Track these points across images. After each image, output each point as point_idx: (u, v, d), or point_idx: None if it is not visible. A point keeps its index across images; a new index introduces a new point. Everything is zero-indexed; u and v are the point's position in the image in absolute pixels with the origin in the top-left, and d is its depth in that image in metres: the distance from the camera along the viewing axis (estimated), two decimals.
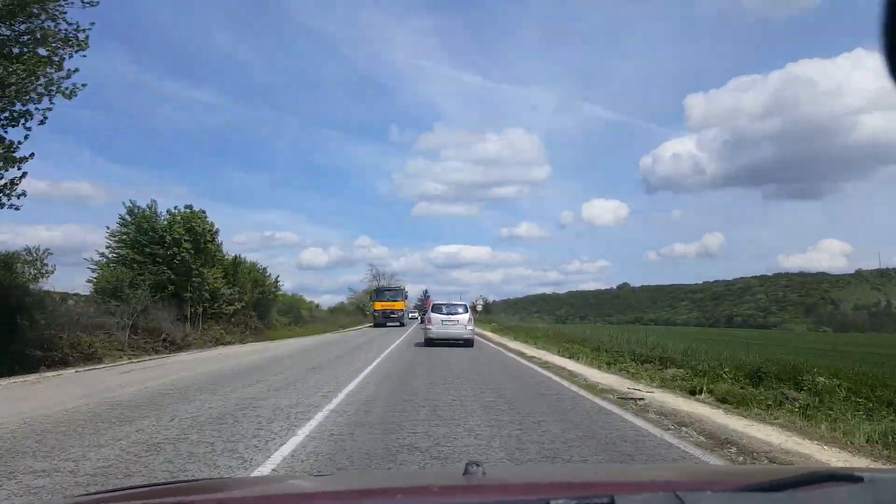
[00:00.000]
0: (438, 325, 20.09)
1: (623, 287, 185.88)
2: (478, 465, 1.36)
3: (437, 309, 20.76)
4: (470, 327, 20.13)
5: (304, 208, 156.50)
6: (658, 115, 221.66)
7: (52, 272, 18.07)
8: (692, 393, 9.21)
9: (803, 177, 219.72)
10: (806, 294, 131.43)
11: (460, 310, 20.48)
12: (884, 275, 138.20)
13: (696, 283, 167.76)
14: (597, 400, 8.39)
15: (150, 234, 20.88)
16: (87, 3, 11.57)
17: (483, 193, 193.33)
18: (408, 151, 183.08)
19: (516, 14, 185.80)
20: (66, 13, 11.30)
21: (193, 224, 22.04)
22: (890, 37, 0.95)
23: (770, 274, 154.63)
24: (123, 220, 21.29)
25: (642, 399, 8.33)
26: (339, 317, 49.26)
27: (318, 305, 52.10)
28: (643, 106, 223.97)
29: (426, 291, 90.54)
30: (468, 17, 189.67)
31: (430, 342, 19.93)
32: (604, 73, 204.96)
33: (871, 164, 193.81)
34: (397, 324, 41.43)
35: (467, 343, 19.76)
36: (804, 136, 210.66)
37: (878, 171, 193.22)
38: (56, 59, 11.32)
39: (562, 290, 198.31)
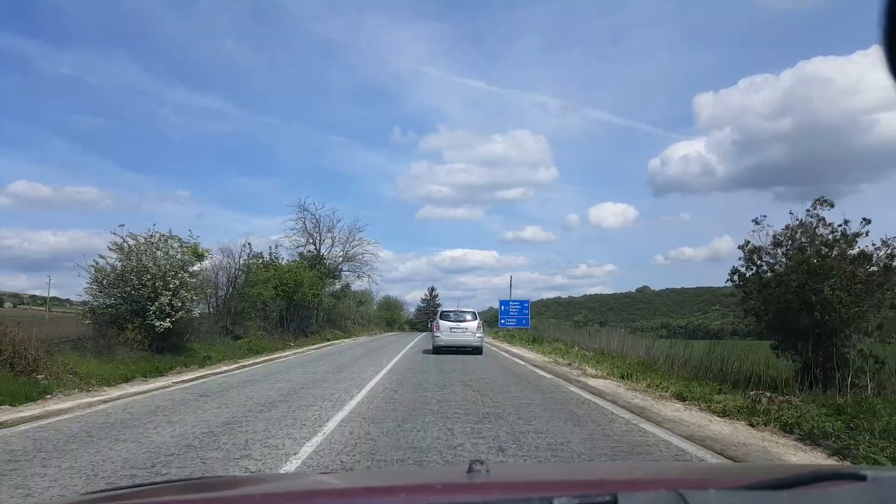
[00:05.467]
0: (447, 332, 19.72)
1: (643, 290, 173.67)
2: (481, 463, 1.32)
3: (445, 316, 20.62)
4: (479, 334, 19.93)
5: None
6: (666, 116, 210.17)
7: None
8: None
9: (816, 178, 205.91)
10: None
11: (468, 316, 20.34)
12: None
13: (727, 286, 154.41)
14: None
15: None
16: None
17: (488, 196, 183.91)
18: (412, 155, 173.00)
19: (520, 18, 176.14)
20: None
21: None
22: (890, 35, 0.91)
23: None
24: None
25: None
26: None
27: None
28: (651, 107, 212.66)
29: (432, 289, 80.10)
30: (472, 22, 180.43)
31: (439, 350, 19.77)
32: (610, 75, 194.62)
33: (890, 165, 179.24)
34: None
35: (476, 350, 19.56)
36: (818, 135, 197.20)
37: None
38: None
39: (574, 294, 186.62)
